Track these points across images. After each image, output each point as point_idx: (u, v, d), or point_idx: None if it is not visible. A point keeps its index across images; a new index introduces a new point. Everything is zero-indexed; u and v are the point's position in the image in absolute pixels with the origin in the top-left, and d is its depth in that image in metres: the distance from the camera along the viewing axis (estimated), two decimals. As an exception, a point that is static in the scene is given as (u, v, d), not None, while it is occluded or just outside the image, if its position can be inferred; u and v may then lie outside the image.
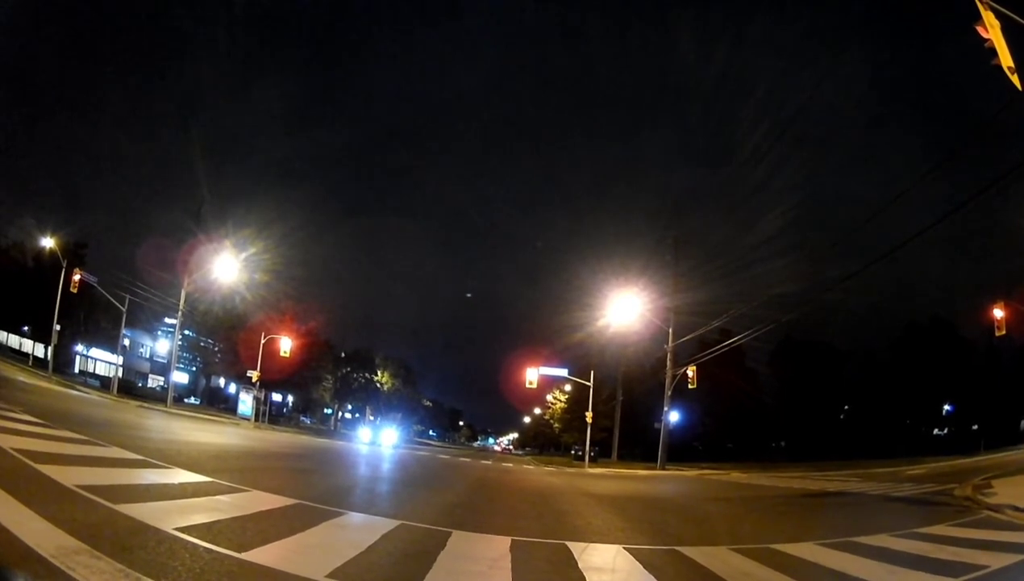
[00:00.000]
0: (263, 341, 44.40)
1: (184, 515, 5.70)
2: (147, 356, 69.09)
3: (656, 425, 34.62)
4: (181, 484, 7.76)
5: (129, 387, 47.37)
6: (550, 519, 9.70)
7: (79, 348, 56.61)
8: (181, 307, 41.33)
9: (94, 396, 31.96)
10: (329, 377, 68.35)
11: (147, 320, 59.57)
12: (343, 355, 72.19)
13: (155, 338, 68.68)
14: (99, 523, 4.91)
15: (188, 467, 9.18)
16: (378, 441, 46.44)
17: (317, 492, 9.23)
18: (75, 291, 37.56)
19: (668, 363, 32.54)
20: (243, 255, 41.01)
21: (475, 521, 8.28)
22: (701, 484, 22.92)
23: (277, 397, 68.19)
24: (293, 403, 72.87)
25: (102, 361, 58.26)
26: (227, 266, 40.02)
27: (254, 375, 44.58)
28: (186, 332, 56.38)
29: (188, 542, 4.73)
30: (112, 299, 41.81)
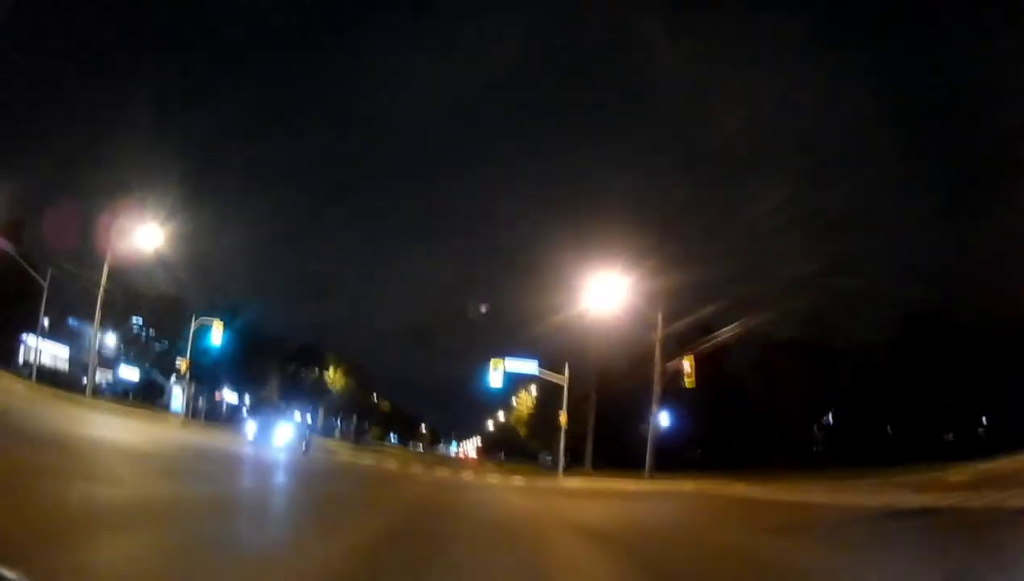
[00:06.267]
0: (194, 327, 39.41)
1: None
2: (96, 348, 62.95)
3: (643, 427, 30.01)
4: None
5: (71, 381, 42.41)
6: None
7: (29, 339, 50.67)
8: (103, 284, 35.89)
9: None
10: (274, 375, 63.25)
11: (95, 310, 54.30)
12: (289, 353, 67.21)
13: (105, 330, 62.86)
14: None
15: None
16: (267, 441, 24.88)
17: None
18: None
19: (657, 354, 27.15)
20: (177, 230, 36.59)
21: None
22: (708, 503, 18.22)
23: (233, 398, 64.60)
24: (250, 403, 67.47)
25: (49, 353, 52.41)
26: (152, 237, 35.42)
27: (183, 364, 39.72)
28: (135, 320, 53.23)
29: None
30: (30, 270, 36.82)
